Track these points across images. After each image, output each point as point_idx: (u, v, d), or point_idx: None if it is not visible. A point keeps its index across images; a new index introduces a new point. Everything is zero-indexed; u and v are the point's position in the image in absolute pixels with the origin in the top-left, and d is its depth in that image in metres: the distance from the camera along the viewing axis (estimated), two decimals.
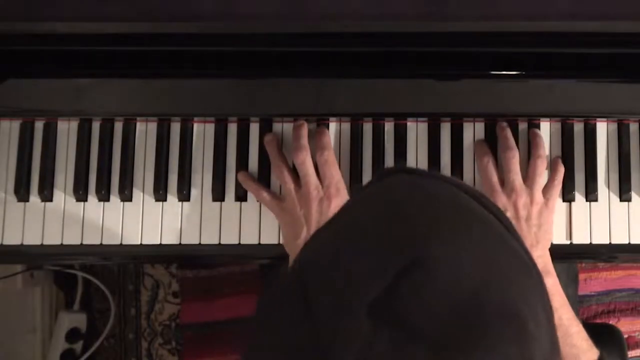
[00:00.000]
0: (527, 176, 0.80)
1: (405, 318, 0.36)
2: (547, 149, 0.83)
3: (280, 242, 0.83)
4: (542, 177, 0.80)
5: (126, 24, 0.76)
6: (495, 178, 0.79)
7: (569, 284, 0.91)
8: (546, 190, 0.80)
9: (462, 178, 0.83)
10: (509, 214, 0.77)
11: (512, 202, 0.78)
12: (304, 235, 0.77)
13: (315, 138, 0.82)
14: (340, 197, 0.79)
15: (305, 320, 0.37)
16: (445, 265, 0.38)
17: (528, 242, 0.76)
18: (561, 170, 0.82)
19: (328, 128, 0.84)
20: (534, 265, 0.44)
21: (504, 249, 0.42)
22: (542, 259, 0.77)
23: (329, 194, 0.78)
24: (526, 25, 0.75)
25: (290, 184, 0.80)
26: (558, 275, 0.89)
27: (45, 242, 0.84)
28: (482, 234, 0.42)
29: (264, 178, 0.83)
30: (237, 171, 0.83)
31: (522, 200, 0.78)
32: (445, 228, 0.40)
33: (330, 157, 0.80)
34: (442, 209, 0.42)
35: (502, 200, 0.78)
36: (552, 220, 0.80)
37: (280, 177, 0.81)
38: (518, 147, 0.82)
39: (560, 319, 0.73)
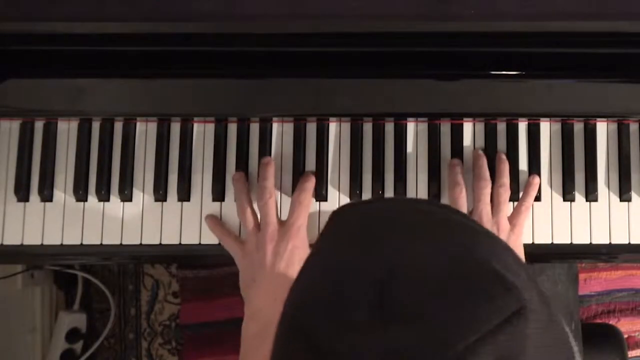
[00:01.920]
0: (492, 204, 0.80)
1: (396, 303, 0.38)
2: (547, 150, 0.83)
3: None
4: (506, 205, 0.80)
5: (126, 24, 0.75)
6: (464, 210, 0.80)
7: (569, 285, 0.91)
8: (512, 217, 0.81)
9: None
10: None
11: None
12: (259, 278, 0.76)
13: (301, 179, 0.82)
14: (298, 240, 0.78)
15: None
16: (414, 265, 0.40)
17: None
18: (531, 196, 0.81)
19: (328, 128, 0.84)
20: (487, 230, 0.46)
21: (457, 229, 0.45)
22: None
23: (289, 234, 0.77)
24: (526, 25, 0.75)
25: (250, 226, 0.79)
26: (558, 277, 0.89)
27: (45, 242, 0.84)
28: (431, 227, 0.45)
29: None
30: (237, 170, 0.83)
31: (489, 228, 0.77)
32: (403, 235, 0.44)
33: (305, 200, 0.80)
34: (396, 221, 0.45)
35: None
36: (521, 245, 0.80)
37: (242, 218, 0.80)
38: (518, 149, 0.83)
39: None
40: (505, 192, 0.81)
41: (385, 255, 0.41)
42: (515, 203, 0.82)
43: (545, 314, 0.40)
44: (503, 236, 0.78)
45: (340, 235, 0.46)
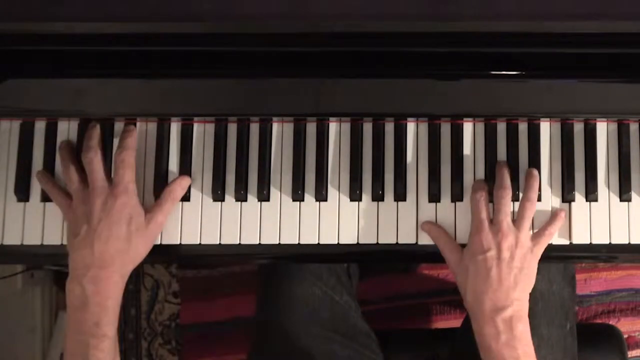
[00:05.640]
0: (516, 218, 0.79)
1: None
2: (547, 150, 0.83)
3: (281, 242, 0.83)
4: (529, 221, 0.80)
5: (126, 24, 0.75)
6: (484, 215, 0.79)
7: (565, 284, 0.91)
8: (536, 236, 0.80)
9: (461, 178, 0.83)
10: (492, 253, 0.77)
11: (497, 241, 0.77)
12: (84, 231, 0.77)
13: (120, 137, 0.83)
14: (127, 197, 0.79)
15: None
16: None
17: (505, 284, 0.76)
18: (559, 222, 0.81)
19: (328, 128, 0.84)
20: None
21: None
22: (519, 303, 0.76)
23: (116, 192, 0.79)
24: (526, 25, 0.75)
25: (75, 183, 0.80)
26: (553, 276, 0.89)
27: (45, 242, 0.84)
28: None
29: (263, 178, 0.83)
30: (237, 170, 0.83)
31: (508, 241, 0.77)
32: None
33: (127, 157, 0.81)
34: None
35: (487, 238, 0.77)
36: (536, 266, 0.79)
37: (66, 176, 0.81)
38: (518, 149, 0.83)
39: None
40: (532, 207, 0.80)
41: None
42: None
43: None
44: (520, 253, 0.77)
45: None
